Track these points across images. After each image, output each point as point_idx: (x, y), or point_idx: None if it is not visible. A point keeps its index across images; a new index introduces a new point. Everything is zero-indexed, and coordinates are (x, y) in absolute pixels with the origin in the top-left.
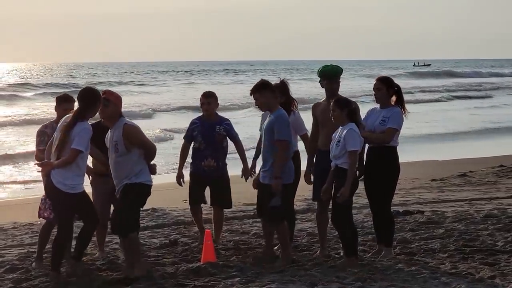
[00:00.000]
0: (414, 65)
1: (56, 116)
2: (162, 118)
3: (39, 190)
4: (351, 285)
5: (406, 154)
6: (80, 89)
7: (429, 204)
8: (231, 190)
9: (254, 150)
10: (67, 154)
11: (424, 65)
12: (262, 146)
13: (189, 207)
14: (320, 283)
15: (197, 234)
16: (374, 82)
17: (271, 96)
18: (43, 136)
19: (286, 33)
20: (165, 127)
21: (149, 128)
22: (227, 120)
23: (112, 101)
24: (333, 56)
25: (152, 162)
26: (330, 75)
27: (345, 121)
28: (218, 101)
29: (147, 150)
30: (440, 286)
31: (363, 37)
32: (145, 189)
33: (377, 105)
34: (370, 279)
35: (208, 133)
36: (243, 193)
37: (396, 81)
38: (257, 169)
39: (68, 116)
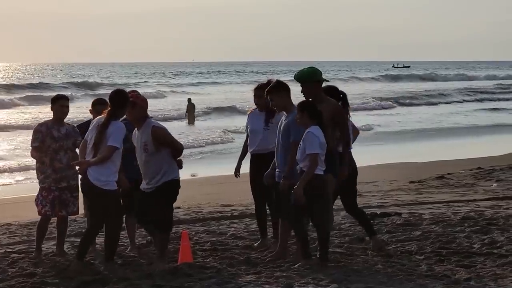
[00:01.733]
0: (393, 67)
1: (53, 116)
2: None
3: (15, 191)
4: (327, 287)
5: (385, 157)
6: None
7: (407, 206)
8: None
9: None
10: (102, 152)
11: (404, 67)
12: (276, 146)
13: (125, 218)
14: (296, 284)
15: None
16: None
17: (287, 96)
18: (37, 134)
19: (274, 34)
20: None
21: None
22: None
23: (138, 103)
24: (323, 57)
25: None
26: (298, 80)
27: (308, 124)
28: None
29: (175, 149)
30: None
31: (345, 39)
32: (176, 185)
33: None
34: (346, 280)
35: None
36: (221, 194)
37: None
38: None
39: (101, 117)
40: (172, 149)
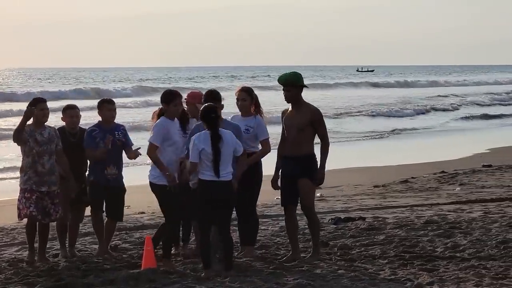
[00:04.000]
0: (357, 70)
1: (33, 120)
2: None
3: None
4: None
5: (349, 160)
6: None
7: (371, 211)
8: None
9: None
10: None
11: (368, 71)
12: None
13: (94, 221)
14: None
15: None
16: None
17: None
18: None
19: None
20: None
21: None
22: (122, 125)
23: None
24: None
25: None
26: (284, 83)
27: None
28: None
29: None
30: None
31: (299, 43)
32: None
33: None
34: (310, 285)
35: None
36: None
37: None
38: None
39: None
40: None
